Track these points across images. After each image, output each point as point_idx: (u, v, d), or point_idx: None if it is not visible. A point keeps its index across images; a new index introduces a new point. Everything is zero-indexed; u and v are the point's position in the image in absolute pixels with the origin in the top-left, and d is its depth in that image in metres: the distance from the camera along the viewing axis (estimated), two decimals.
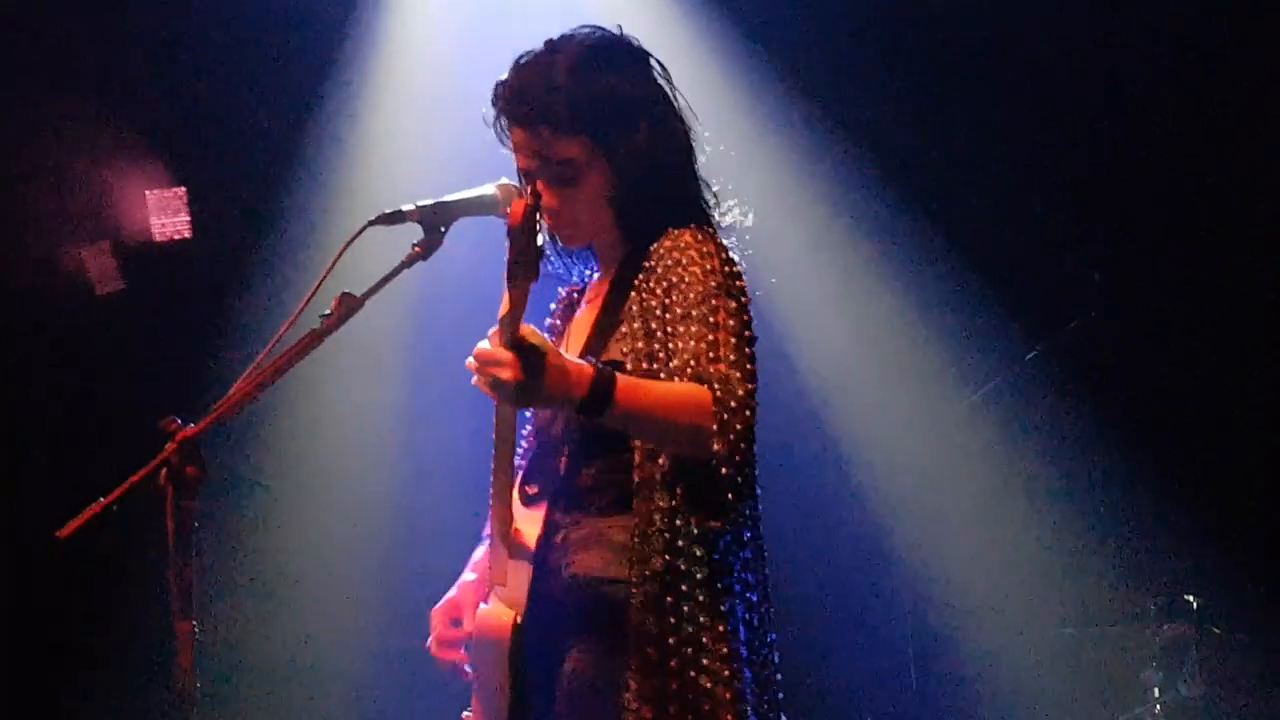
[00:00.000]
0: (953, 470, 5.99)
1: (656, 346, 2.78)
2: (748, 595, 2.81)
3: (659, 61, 3.00)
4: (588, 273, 3.12)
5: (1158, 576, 5.65)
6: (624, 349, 2.82)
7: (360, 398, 5.84)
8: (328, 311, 2.75)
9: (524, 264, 2.47)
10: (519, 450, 2.99)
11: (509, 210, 2.46)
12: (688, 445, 2.67)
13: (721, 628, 2.73)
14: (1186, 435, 5.84)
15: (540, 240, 2.49)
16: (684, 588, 2.71)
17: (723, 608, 2.74)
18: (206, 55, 5.80)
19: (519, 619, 2.78)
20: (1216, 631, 5.45)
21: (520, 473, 2.95)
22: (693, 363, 2.71)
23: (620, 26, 3.02)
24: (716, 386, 2.66)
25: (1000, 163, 5.99)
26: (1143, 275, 5.93)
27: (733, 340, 2.74)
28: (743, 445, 2.66)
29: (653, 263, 2.85)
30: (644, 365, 2.77)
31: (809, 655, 5.71)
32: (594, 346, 2.89)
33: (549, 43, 2.96)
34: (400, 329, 5.66)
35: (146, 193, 5.87)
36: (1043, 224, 6.00)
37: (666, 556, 2.72)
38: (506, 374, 2.51)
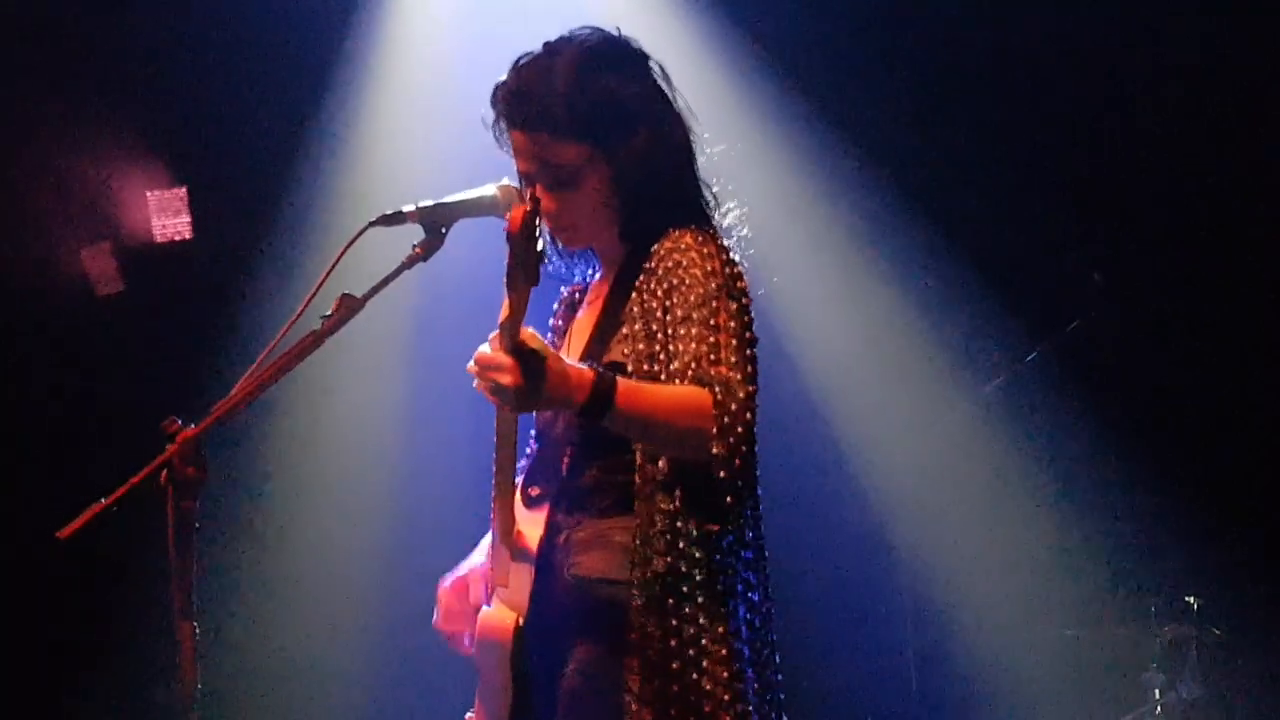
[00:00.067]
0: (953, 470, 5.99)
1: (657, 348, 2.78)
2: (749, 595, 2.81)
3: (658, 63, 3.00)
4: (589, 272, 3.12)
5: (1158, 576, 5.65)
6: (625, 350, 2.82)
7: (360, 398, 5.84)
8: (328, 312, 2.76)
9: (524, 269, 2.47)
10: (526, 453, 2.99)
11: (509, 216, 2.46)
12: (689, 449, 2.67)
13: (723, 629, 2.73)
14: (1186, 435, 5.84)
15: (540, 245, 2.49)
16: (685, 589, 2.72)
17: (724, 609, 2.74)
18: (206, 55, 5.79)
19: (521, 621, 2.78)
20: (1216, 631, 5.45)
21: (522, 474, 2.95)
22: (693, 365, 2.71)
23: (619, 28, 3.01)
24: (717, 389, 2.66)
25: (1000, 163, 5.99)
26: (1143, 275, 5.93)
27: (734, 342, 2.74)
28: (743, 448, 2.66)
29: (653, 264, 2.85)
30: (645, 367, 2.77)
31: (809, 655, 5.71)
32: (595, 348, 2.89)
33: (547, 45, 2.95)
34: (400, 330, 5.66)
35: (147, 194, 5.87)
36: (1043, 224, 6.00)
37: (668, 558, 2.72)
38: (507, 379, 2.50)
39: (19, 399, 5.70)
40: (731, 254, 2.88)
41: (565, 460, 2.89)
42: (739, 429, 2.65)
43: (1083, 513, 5.94)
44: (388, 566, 5.70)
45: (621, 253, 2.97)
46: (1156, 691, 5.43)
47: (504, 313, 2.50)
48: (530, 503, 2.89)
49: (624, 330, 2.85)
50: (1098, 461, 5.90)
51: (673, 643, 2.70)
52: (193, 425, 2.62)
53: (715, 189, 3.02)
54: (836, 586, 6.05)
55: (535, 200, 2.50)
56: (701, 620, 2.72)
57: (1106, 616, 5.79)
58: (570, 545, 2.85)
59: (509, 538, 2.84)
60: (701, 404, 2.65)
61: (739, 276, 2.84)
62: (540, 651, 2.80)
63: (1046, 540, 5.98)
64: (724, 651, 2.72)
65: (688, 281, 2.79)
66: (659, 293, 2.81)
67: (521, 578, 2.81)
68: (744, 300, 2.81)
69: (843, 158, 5.98)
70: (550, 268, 3.09)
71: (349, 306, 2.76)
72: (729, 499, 2.73)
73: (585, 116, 2.87)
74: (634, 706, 2.70)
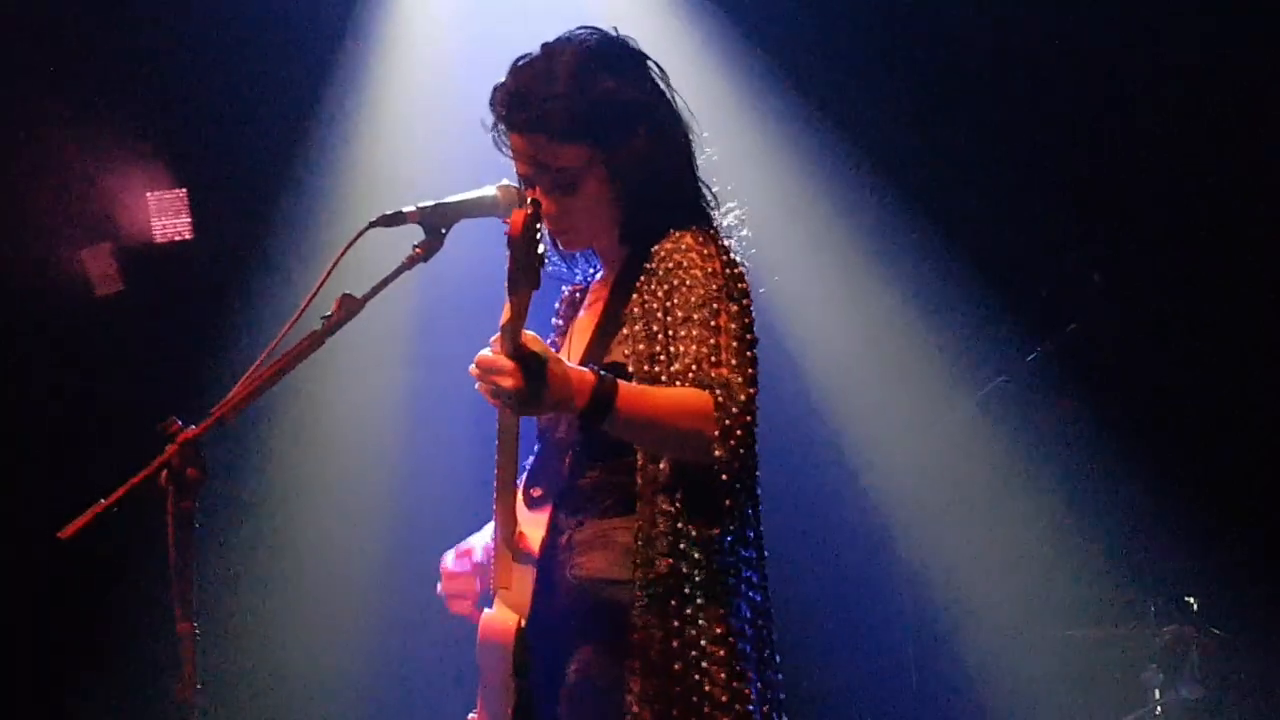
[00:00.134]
0: (953, 470, 5.99)
1: (658, 349, 2.77)
2: (751, 595, 2.81)
3: (657, 63, 2.99)
4: (591, 271, 3.12)
5: (1158, 576, 5.65)
6: (626, 351, 2.82)
7: (360, 398, 5.83)
8: (328, 313, 2.75)
9: (525, 273, 2.47)
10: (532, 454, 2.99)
11: (509, 219, 2.46)
12: (690, 451, 2.67)
13: (724, 629, 2.73)
14: (1186, 435, 5.84)
15: (541, 249, 2.49)
16: (687, 590, 2.72)
17: (726, 609, 2.74)
18: (206, 55, 5.79)
19: (523, 622, 2.78)
20: (1216, 632, 5.45)
21: (524, 476, 2.95)
22: (694, 367, 2.71)
23: (616, 28, 3.00)
24: (718, 392, 2.66)
25: (1000, 163, 5.98)
26: (1143, 275, 5.93)
27: (734, 344, 2.74)
28: (743, 451, 2.66)
29: (654, 264, 2.85)
30: (646, 368, 2.77)
31: (809, 655, 5.71)
32: (595, 349, 2.89)
33: (546, 47, 2.94)
34: (400, 330, 5.66)
35: (148, 194, 5.87)
36: (1043, 224, 6.00)
37: (670, 559, 2.72)
38: (508, 382, 2.50)
39: (19, 399, 5.70)
40: (732, 254, 2.88)
41: (567, 461, 2.89)
42: (740, 431, 2.65)
43: (1083, 513, 5.94)
44: (388, 566, 5.69)
45: (622, 254, 2.96)
46: (1156, 691, 5.43)
47: (505, 316, 2.50)
48: (532, 504, 2.89)
49: (624, 331, 2.84)
50: (1098, 462, 5.90)
51: (674, 643, 2.70)
52: (193, 426, 2.62)
53: (715, 189, 3.02)
54: (836, 586, 6.05)
55: (535, 203, 2.50)
56: (703, 621, 2.72)
57: (1106, 616, 5.79)
58: (572, 546, 2.85)
59: (511, 540, 2.84)
60: (703, 407, 2.65)
61: (740, 277, 2.84)
62: (542, 652, 2.79)
63: (1046, 540, 5.98)
64: (725, 652, 2.72)
65: (688, 282, 2.79)
66: (660, 293, 2.81)
67: (524, 579, 2.81)
68: (745, 301, 2.81)
69: (843, 158, 5.98)
70: (551, 268, 3.09)
71: (349, 307, 2.75)
72: (730, 500, 2.73)
73: (584, 118, 2.86)
74: (635, 707, 2.70)
